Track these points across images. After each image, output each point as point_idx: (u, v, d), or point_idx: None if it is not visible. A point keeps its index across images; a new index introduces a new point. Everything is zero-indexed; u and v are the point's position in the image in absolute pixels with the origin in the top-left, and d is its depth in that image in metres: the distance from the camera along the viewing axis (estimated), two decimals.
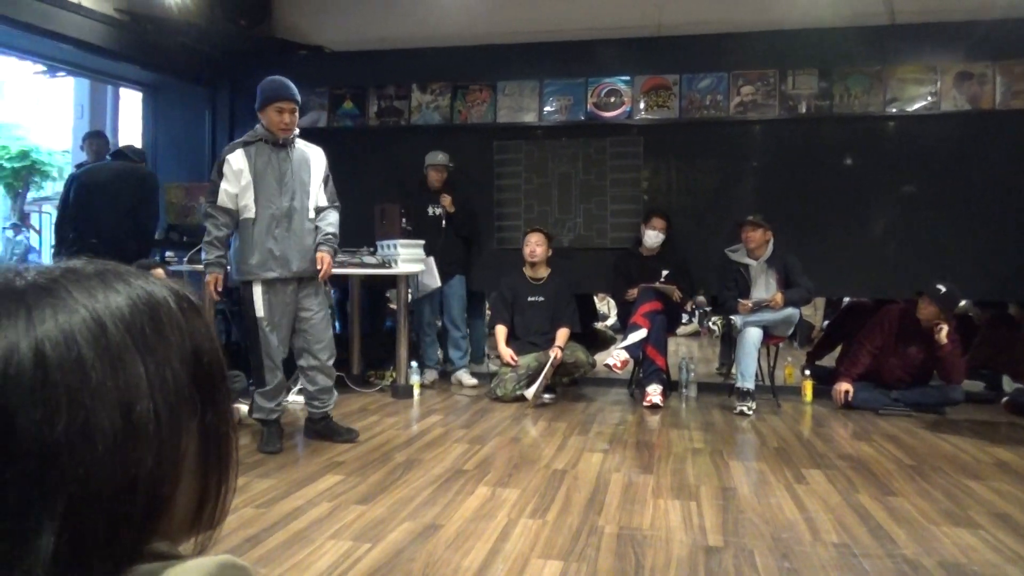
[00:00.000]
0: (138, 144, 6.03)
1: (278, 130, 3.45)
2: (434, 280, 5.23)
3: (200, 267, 4.48)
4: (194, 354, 0.50)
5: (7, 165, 11.63)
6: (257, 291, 3.50)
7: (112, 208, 4.84)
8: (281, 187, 3.49)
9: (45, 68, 6.13)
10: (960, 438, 3.96)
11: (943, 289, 4.48)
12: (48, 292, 0.46)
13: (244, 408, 4.07)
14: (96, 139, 5.92)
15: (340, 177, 5.88)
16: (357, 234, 5.13)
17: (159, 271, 3.80)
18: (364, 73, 5.86)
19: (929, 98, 5.08)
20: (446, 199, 5.29)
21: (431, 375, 5.42)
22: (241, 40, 5.85)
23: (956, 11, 5.02)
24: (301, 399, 4.73)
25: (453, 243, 5.38)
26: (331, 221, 3.64)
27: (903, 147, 5.13)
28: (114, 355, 0.45)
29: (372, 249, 5.02)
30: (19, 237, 11.11)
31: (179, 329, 0.49)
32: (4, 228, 11.90)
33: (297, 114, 3.52)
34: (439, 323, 5.73)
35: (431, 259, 5.22)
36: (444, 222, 5.34)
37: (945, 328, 4.49)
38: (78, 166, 5.89)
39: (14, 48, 5.36)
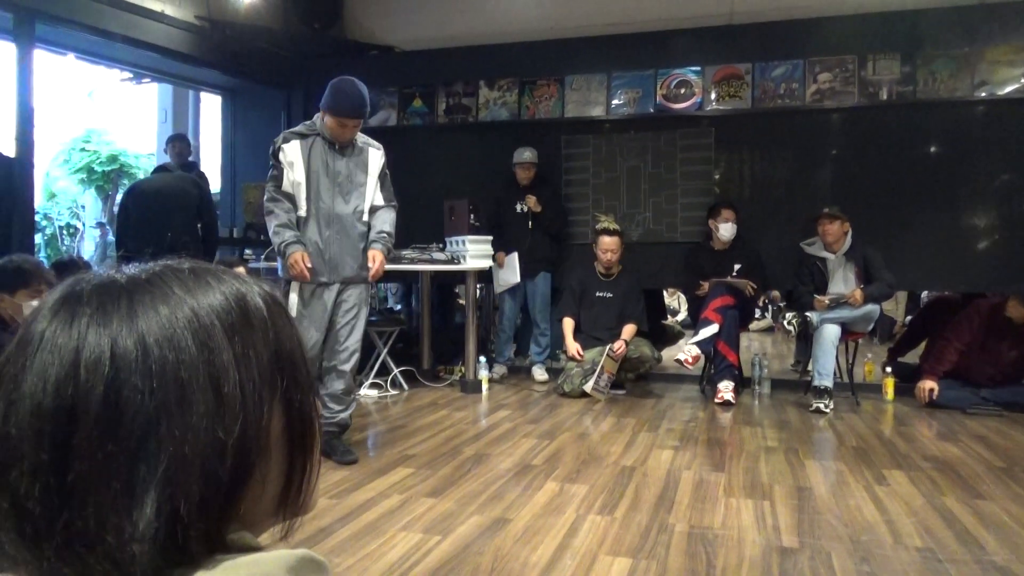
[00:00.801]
0: (185, 153, 6.02)
1: (336, 138, 3.30)
2: (514, 275, 5.26)
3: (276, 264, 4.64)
4: (276, 341, 0.54)
5: (98, 169, 12.21)
6: (293, 296, 3.29)
7: (180, 214, 4.81)
8: (335, 187, 3.32)
9: (131, 75, 6.43)
10: None
11: None
12: (147, 283, 0.51)
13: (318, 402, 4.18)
14: (178, 142, 6.17)
15: (410, 175, 5.99)
16: (427, 230, 5.20)
17: (241, 269, 3.92)
18: (432, 71, 5.92)
19: (1022, 80, 4.80)
20: (531, 199, 5.32)
21: (500, 370, 5.46)
22: (314, 43, 6.00)
23: None
24: (374, 392, 4.84)
25: (540, 240, 5.40)
26: (386, 219, 3.44)
27: (993, 133, 4.87)
28: (205, 336, 0.50)
29: (441, 245, 5.08)
30: (110, 238, 11.65)
31: (263, 319, 0.54)
32: (91, 227, 12.49)
33: (362, 122, 3.35)
34: (519, 320, 5.77)
35: (514, 255, 5.27)
36: (531, 221, 5.37)
37: None
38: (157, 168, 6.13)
39: (103, 57, 5.64)
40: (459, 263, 4.92)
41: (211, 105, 7.53)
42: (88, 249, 12.07)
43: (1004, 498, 2.77)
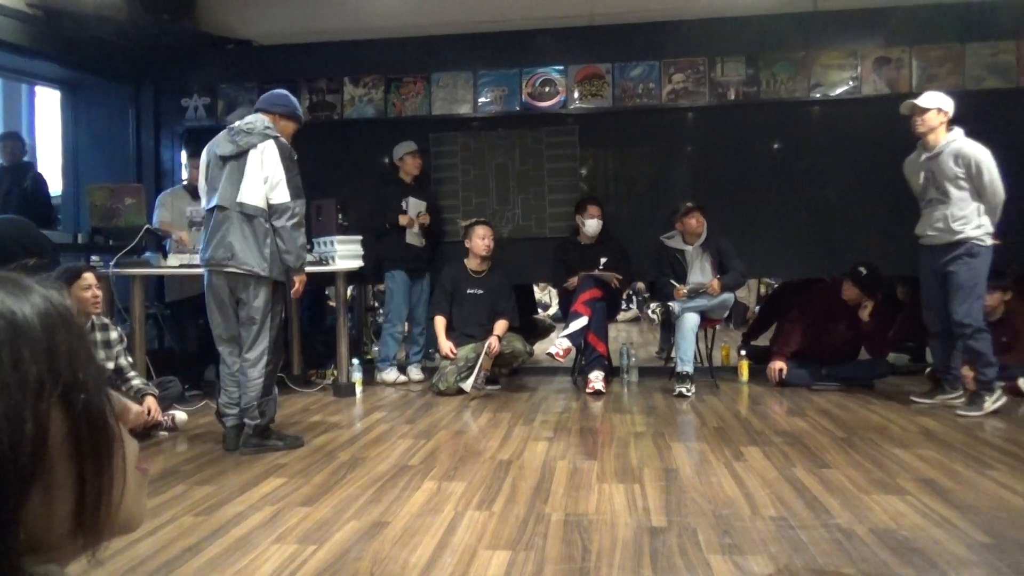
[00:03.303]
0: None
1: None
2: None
3: (136, 271, 4.38)
4: (48, 340, 0.49)
5: None
6: None
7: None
8: None
9: None
10: (888, 409, 4.13)
11: (864, 272, 4.66)
12: None
13: (181, 414, 3.98)
14: (10, 141, 5.67)
15: None
16: None
17: (88, 275, 3.65)
18: (294, 67, 5.74)
19: (851, 83, 5.25)
20: (425, 218, 5.29)
21: (415, 371, 5.42)
22: (165, 35, 5.65)
23: None
24: None
25: (427, 244, 5.39)
26: None
27: (827, 131, 5.30)
28: None
29: (309, 246, 4.94)
30: None
31: (25, 321, 0.49)
32: None
33: None
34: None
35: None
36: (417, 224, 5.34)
37: (869, 306, 4.67)
38: None
39: None
40: (328, 264, 4.80)
41: (49, 100, 6.95)
42: None
43: (846, 465, 3.03)
